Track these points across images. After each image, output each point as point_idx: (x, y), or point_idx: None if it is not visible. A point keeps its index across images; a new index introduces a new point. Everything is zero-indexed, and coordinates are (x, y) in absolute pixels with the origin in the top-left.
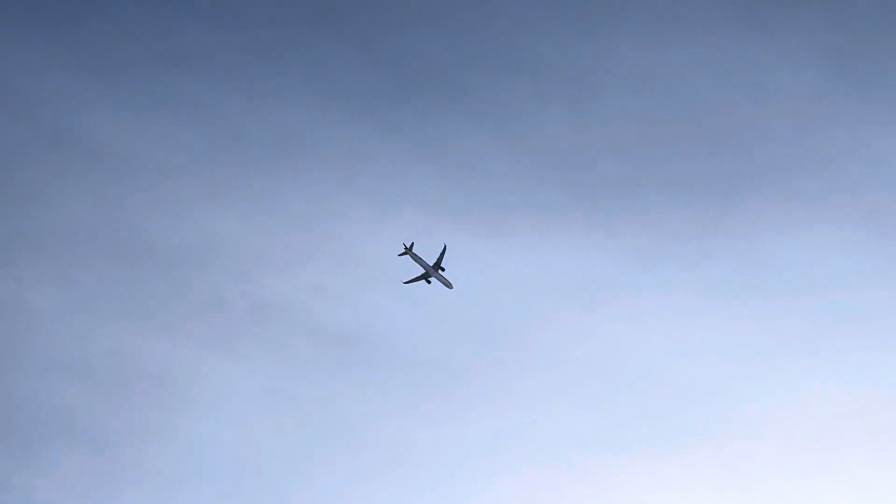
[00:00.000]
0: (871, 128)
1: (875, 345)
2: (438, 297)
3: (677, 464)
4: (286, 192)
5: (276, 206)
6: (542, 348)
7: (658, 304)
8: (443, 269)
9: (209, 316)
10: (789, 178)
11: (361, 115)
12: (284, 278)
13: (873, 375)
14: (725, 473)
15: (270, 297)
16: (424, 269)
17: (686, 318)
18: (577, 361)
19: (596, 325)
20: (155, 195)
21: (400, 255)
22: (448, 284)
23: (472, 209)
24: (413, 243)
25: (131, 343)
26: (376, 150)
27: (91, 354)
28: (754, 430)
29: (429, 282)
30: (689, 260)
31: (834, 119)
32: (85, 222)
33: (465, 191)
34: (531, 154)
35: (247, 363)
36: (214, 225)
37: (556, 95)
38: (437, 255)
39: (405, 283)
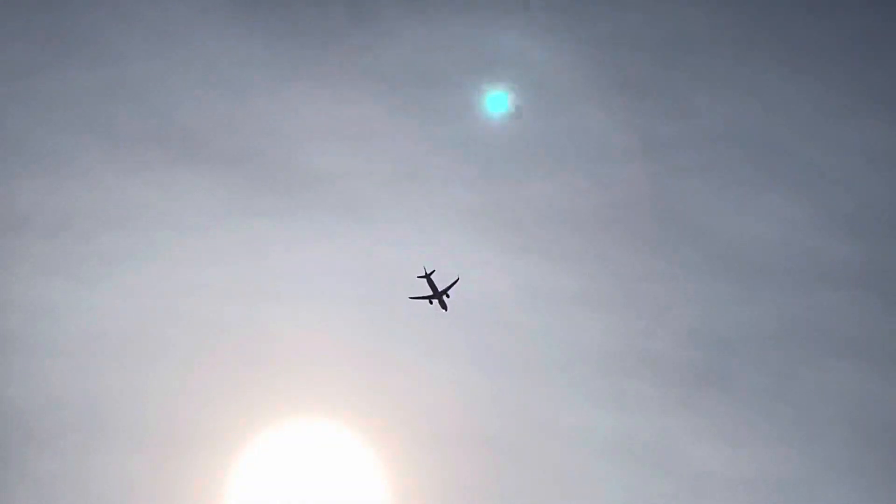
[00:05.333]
0: None
1: None
2: None
3: None
4: None
5: None
6: None
7: None
8: (448, 297)
9: None
10: None
11: None
12: None
13: None
14: None
15: None
16: (434, 293)
17: None
18: None
19: None
20: None
21: (419, 277)
22: (444, 307)
23: None
24: (434, 271)
25: None
26: None
27: None
28: None
29: (431, 302)
30: None
31: None
32: None
33: None
34: None
35: None
36: None
37: None
38: (448, 284)
39: (411, 298)
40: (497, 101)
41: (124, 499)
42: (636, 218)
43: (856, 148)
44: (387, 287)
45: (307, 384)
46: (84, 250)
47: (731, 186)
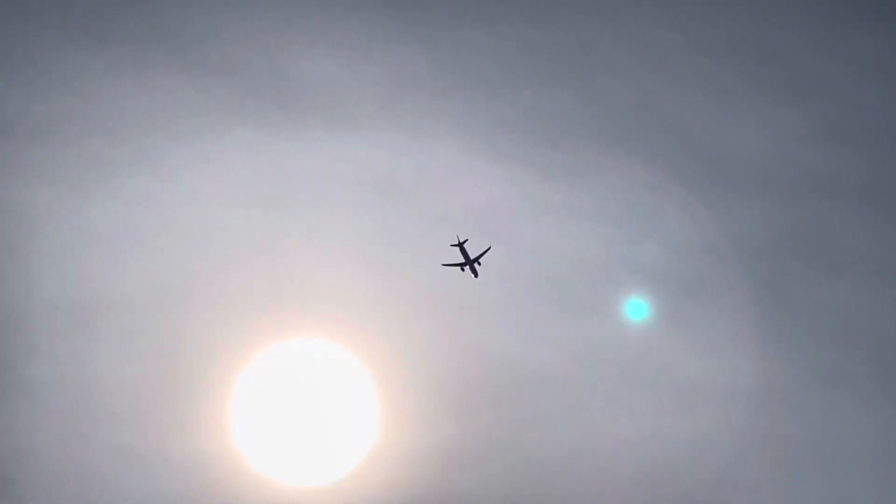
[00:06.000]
0: None
1: None
2: None
3: None
4: None
5: None
6: None
7: None
8: (479, 264)
9: None
10: None
11: None
12: None
13: None
14: None
15: None
16: (466, 260)
17: None
18: None
19: None
20: None
21: (452, 245)
22: (476, 274)
23: None
24: (467, 240)
25: None
26: None
27: None
28: None
29: (462, 269)
30: None
31: None
32: None
33: None
34: None
35: None
36: None
37: None
38: (480, 252)
39: (443, 265)
40: None
41: (120, 406)
42: (627, 128)
43: (852, 58)
44: (380, 196)
45: (302, 292)
46: (72, 156)
47: (725, 97)
